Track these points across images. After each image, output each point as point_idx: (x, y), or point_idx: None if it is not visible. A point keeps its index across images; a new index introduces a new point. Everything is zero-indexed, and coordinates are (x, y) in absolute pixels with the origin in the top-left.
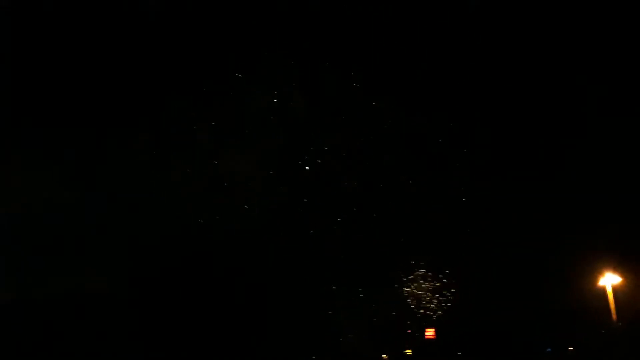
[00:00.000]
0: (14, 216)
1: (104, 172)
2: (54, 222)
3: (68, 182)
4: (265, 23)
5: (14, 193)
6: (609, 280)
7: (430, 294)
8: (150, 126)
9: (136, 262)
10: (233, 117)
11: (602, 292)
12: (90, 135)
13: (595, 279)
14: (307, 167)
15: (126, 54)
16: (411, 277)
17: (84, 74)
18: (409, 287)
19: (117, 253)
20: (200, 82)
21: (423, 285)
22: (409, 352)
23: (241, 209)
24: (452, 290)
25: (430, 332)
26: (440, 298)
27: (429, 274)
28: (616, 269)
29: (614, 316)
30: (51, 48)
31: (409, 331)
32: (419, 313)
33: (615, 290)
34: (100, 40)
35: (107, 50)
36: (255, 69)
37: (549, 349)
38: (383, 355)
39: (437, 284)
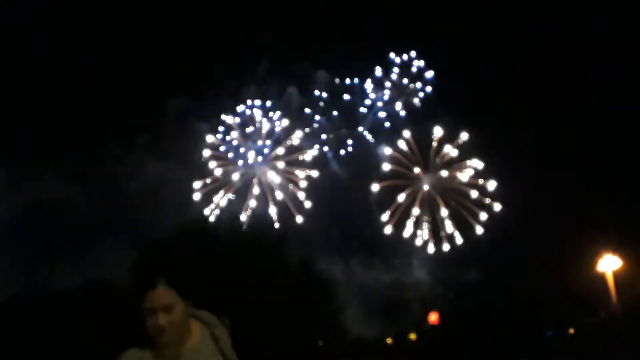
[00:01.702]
0: (14, 215)
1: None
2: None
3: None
4: None
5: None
6: (609, 263)
7: (434, 280)
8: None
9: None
10: None
11: (603, 274)
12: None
13: (595, 262)
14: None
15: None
16: (415, 263)
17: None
18: (412, 274)
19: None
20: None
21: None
22: (413, 336)
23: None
24: (454, 276)
25: (433, 318)
26: (443, 283)
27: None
28: (616, 251)
29: (613, 299)
30: None
31: (413, 316)
32: (423, 299)
33: (615, 272)
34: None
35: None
36: None
37: (550, 332)
38: (387, 339)
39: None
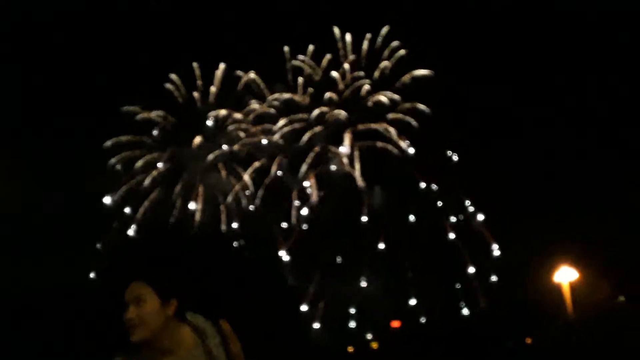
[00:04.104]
0: None
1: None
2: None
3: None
4: None
5: None
6: (566, 275)
7: (394, 288)
8: None
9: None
10: None
11: (559, 285)
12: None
13: (552, 273)
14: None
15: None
16: (376, 271)
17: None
18: (374, 280)
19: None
20: None
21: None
22: (374, 345)
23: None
24: (415, 284)
25: (396, 324)
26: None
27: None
28: (572, 263)
29: (569, 309)
30: None
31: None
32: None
33: (572, 284)
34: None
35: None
36: None
37: (509, 342)
38: (349, 348)
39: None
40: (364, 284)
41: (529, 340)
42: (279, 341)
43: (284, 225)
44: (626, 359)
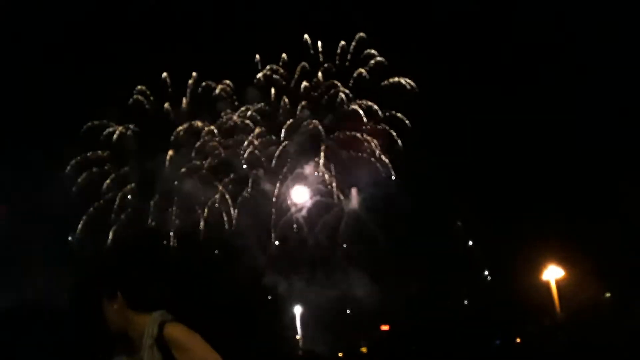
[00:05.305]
0: None
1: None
2: None
3: None
4: None
5: None
6: (553, 274)
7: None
8: None
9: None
10: None
11: (547, 284)
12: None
13: (539, 272)
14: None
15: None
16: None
17: None
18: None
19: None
20: None
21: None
22: (364, 349)
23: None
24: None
25: (384, 327)
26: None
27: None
28: (559, 262)
29: (557, 308)
30: None
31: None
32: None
33: (558, 282)
34: None
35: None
36: None
37: (498, 341)
38: (339, 354)
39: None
40: (350, 291)
41: (518, 340)
42: (261, 348)
43: (263, 238)
44: (613, 356)
